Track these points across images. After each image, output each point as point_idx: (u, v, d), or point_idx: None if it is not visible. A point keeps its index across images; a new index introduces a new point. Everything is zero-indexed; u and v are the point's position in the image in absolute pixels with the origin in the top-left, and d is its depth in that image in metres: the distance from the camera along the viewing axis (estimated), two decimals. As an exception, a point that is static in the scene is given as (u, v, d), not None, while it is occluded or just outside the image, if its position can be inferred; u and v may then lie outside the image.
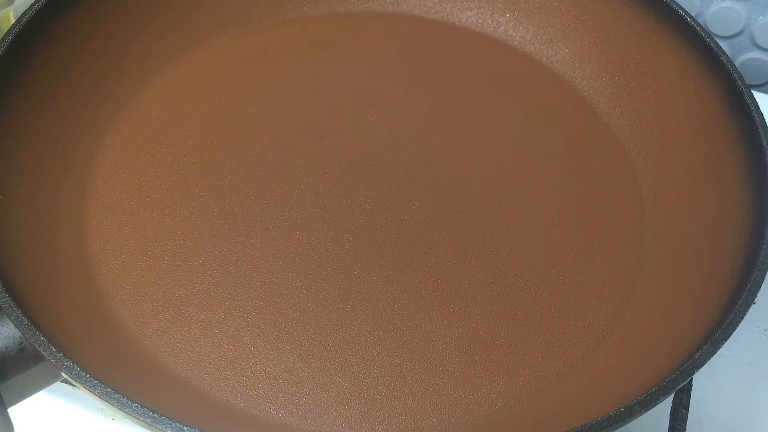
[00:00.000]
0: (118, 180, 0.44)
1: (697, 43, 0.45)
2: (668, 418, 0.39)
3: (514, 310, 0.41)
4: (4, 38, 0.41)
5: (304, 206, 0.44)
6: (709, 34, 0.45)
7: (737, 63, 0.62)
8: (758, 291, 0.36)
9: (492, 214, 0.44)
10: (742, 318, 0.35)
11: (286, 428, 0.37)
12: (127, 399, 0.31)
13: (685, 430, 0.38)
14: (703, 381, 0.44)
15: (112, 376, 0.33)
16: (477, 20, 0.52)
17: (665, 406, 0.37)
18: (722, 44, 0.56)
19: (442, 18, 0.53)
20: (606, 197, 0.45)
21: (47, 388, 0.36)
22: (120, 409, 0.31)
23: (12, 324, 0.33)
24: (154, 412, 0.31)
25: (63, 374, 0.33)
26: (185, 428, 0.31)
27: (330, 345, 0.39)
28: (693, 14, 0.52)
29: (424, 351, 0.39)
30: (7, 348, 0.34)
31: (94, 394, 0.32)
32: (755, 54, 0.63)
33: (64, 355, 0.32)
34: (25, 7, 0.43)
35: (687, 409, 0.38)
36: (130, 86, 0.47)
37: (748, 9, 0.61)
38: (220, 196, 0.44)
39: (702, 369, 0.34)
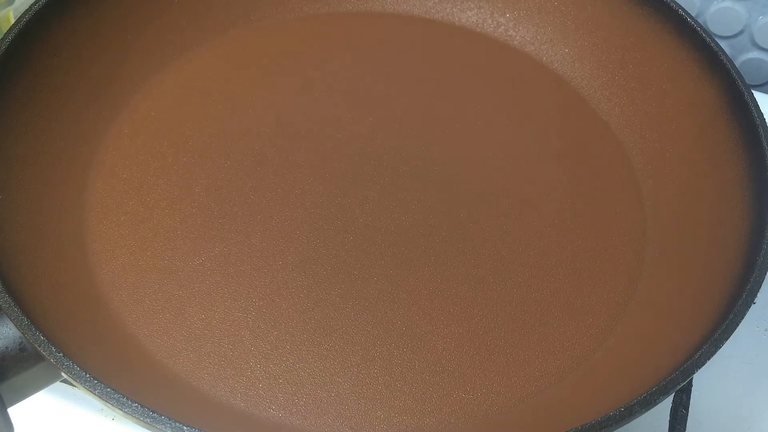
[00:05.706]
0: (118, 180, 0.44)
1: (697, 43, 0.45)
2: (668, 418, 0.39)
3: (514, 310, 0.41)
4: (4, 38, 0.41)
5: (304, 206, 0.44)
6: (709, 34, 0.45)
7: (737, 63, 0.62)
8: (758, 291, 0.36)
9: (492, 214, 0.44)
10: (742, 318, 0.35)
11: (286, 428, 0.37)
12: (127, 399, 0.31)
13: (685, 430, 0.38)
14: (703, 381, 0.44)
15: (112, 376, 0.33)
16: (477, 20, 0.52)
17: (665, 406, 0.37)
18: (722, 44, 0.56)
19: (442, 18, 0.53)
20: (606, 197, 0.45)
21: (47, 388, 0.36)
22: (120, 409, 0.31)
23: (12, 324, 0.33)
24: (154, 412, 0.31)
25: (63, 374, 0.33)
26: (185, 428, 0.31)
27: (330, 345, 0.39)
28: (693, 14, 0.52)
29: (424, 351, 0.39)
30: (7, 348, 0.34)
31: (94, 394, 0.32)
32: (755, 54, 0.63)
33: (64, 355, 0.32)
34: (25, 7, 0.43)
35: (687, 409, 0.38)
36: (130, 86, 0.47)
37: (748, 9, 0.60)
38: (220, 196, 0.44)
39: (702, 369, 0.34)
